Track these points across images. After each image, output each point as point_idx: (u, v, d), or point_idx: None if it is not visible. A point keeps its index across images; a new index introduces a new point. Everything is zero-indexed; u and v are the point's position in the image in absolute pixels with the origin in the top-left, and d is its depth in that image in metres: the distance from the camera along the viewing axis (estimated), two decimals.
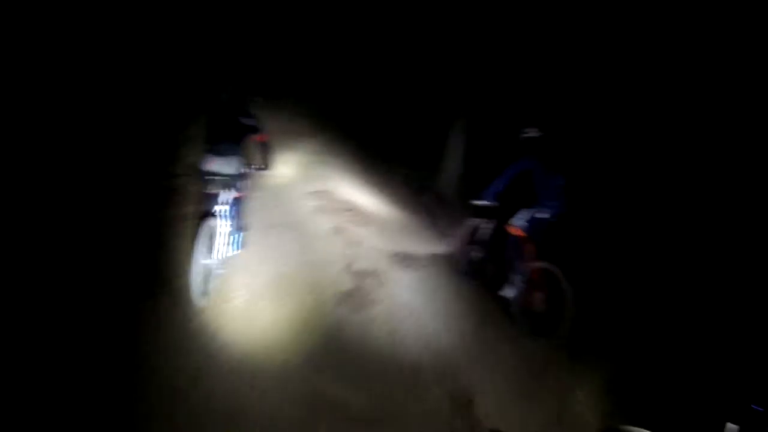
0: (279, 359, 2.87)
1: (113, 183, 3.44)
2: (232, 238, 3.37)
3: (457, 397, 3.00)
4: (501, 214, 3.90)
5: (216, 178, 3.15)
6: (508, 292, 3.81)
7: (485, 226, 4.16)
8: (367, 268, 4.00)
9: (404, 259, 4.33)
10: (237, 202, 3.40)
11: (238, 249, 3.48)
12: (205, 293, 2.99)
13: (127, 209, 3.33)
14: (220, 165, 3.14)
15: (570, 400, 3.22)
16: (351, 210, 4.92)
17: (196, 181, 3.46)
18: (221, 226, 3.19)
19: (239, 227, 3.46)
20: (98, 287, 2.79)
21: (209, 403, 2.42)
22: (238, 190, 3.34)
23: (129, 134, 3.87)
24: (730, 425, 2.50)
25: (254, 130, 3.39)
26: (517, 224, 3.70)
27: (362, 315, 3.51)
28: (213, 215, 3.13)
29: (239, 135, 3.30)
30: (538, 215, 3.61)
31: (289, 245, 4.03)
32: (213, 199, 3.27)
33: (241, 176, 3.28)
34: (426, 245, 4.86)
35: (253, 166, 3.48)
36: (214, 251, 3.10)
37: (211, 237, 3.06)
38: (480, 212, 4.12)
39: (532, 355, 3.55)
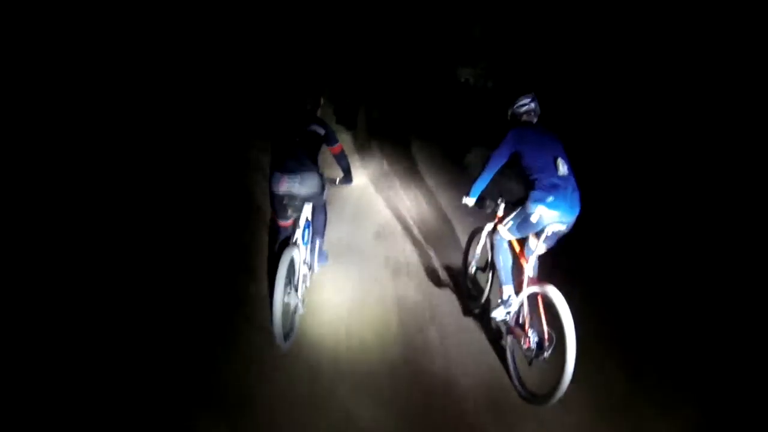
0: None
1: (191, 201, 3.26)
2: (309, 267, 3.09)
3: None
4: (495, 214, 3.03)
5: (290, 200, 2.76)
6: (498, 314, 2.80)
7: (480, 231, 3.22)
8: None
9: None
10: (314, 225, 3.05)
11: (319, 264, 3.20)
12: (287, 335, 2.67)
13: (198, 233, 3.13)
14: (292, 184, 2.71)
15: None
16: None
17: (268, 203, 3.17)
18: (301, 255, 2.86)
19: (317, 252, 3.13)
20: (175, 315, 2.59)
21: None
22: (316, 212, 2.98)
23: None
24: None
25: (329, 139, 2.94)
26: (508, 225, 2.74)
27: None
28: (291, 244, 2.79)
29: (313, 147, 2.87)
30: (533, 213, 2.52)
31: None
32: (288, 224, 2.97)
33: (318, 196, 2.87)
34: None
35: (333, 181, 3.05)
36: (295, 286, 2.79)
37: (291, 269, 2.71)
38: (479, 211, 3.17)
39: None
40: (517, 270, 2.83)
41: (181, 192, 3.27)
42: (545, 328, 2.50)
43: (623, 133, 4.36)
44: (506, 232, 2.79)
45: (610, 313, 3.20)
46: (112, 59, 3.52)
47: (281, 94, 3.69)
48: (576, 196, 2.54)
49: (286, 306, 2.63)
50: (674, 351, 2.89)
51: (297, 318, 2.86)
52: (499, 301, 2.85)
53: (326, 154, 3.05)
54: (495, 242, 2.87)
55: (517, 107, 2.85)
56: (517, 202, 2.71)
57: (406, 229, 4.54)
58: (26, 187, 2.54)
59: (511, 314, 2.81)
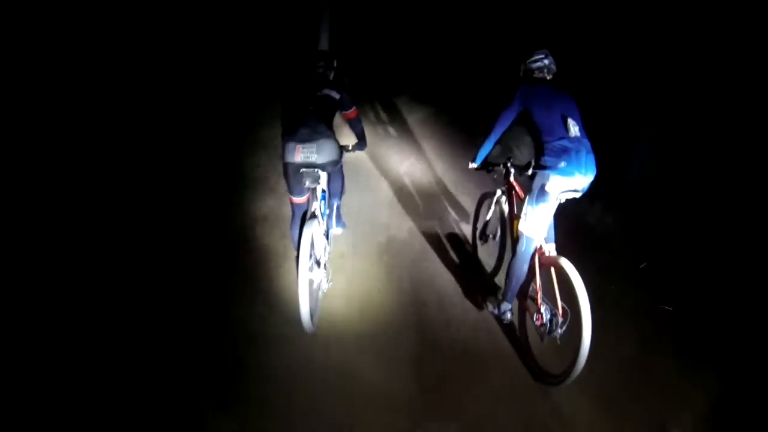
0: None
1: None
2: (327, 236, 2.98)
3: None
4: (505, 181, 2.89)
5: (305, 170, 2.57)
6: (488, 308, 2.81)
7: (489, 197, 3.09)
8: None
9: None
10: (331, 189, 2.90)
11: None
12: (314, 313, 2.60)
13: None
14: (309, 153, 2.52)
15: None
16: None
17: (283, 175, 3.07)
18: (321, 228, 2.74)
19: (334, 216, 3.06)
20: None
21: None
22: (333, 175, 2.78)
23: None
24: None
25: (345, 104, 2.75)
26: (528, 213, 2.48)
27: None
28: (309, 218, 2.65)
29: (328, 113, 2.67)
30: (548, 182, 2.36)
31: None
32: (303, 201, 2.81)
33: (335, 164, 2.66)
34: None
35: (346, 148, 2.86)
36: (317, 260, 2.70)
37: (312, 244, 2.60)
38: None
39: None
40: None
41: (194, 176, 3.35)
42: (559, 301, 2.36)
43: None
44: (531, 228, 2.47)
45: (629, 284, 3.19)
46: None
47: (292, 57, 3.47)
48: (591, 158, 2.37)
49: (310, 284, 2.55)
50: (696, 321, 2.87)
51: (321, 295, 2.81)
52: (492, 307, 2.78)
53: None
54: (519, 250, 2.52)
55: (530, 62, 2.65)
56: (526, 166, 2.56)
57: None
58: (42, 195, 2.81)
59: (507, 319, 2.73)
